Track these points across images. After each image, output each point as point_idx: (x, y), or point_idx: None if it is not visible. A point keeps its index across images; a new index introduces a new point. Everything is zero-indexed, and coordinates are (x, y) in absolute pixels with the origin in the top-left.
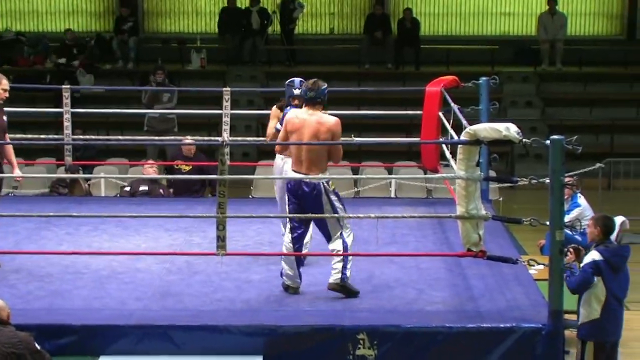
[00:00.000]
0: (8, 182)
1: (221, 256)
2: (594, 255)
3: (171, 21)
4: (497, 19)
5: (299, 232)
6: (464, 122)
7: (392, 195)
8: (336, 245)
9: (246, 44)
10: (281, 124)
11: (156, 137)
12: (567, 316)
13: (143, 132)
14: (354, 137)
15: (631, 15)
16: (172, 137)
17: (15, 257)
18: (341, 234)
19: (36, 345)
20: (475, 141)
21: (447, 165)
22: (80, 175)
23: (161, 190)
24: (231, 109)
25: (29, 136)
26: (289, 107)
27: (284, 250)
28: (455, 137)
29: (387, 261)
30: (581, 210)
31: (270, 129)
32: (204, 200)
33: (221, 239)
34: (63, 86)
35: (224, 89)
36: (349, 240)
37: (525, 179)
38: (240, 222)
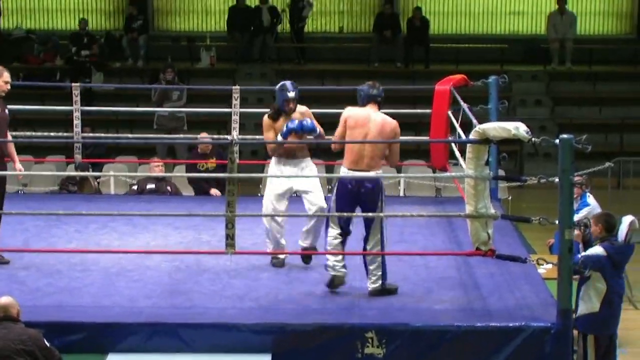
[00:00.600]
0: (18, 180)
1: (230, 254)
2: (597, 250)
3: (181, 19)
4: (507, 17)
5: (344, 228)
6: (474, 120)
7: (401, 193)
8: (374, 245)
9: (256, 42)
10: (286, 135)
11: (166, 135)
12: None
13: (152, 130)
14: None
15: None
16: (182, 135)
17: (24, 254)
18: (382, 235)
19: (45, 342)
20: (485, 140)
21: (456, 164)
22: (90, 173)
23: (169, 188)
24: (241, 107)
25: (39, 134)
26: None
27: (328, 249)
28: (464, 136)
29: (396, 259)
30: (590, 210)
31: (271, 144)
32: (212, 198)
33: (230, 237)
34: (73, 84)
35: (234, 87)
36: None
37: (534, 178)
38: (249, 221)
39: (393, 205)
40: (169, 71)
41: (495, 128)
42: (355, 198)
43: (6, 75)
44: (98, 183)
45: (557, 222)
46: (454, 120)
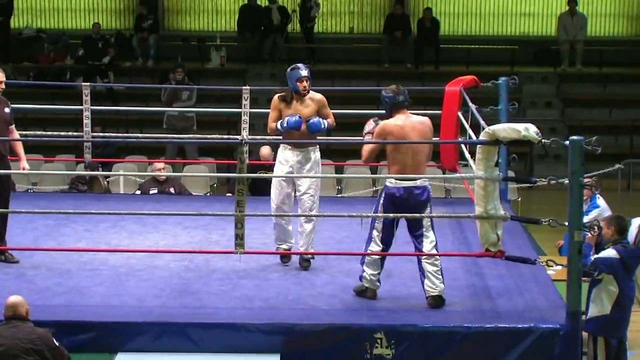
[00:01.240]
0: (27, 178)
1: (239, 254)
2: (610, 253)
3: (191, 19)
4: (517, 19)
5: (387, 243)
6: (482, 122)
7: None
8: (430, 249)
9: (266, 42)
10: (285, 128)
11: (175, 135)
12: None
13: (162, 130)
14: None
15: None
16: (191, 135)
17: (34, 253)
18: (435, 238)
19: (54, 341)
20: (495, 141)
21: (466, 165)
22: (100, 172)
23: (172, 189)
24: (250, 107)
25: (49, 133)
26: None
27: (368, 259)
28: (474, 137)
29: (405, 260)
30: (600, 211)
31: (271, 122)
32: (222, 198)
33: (240, 237)
34: (83, 83)
35: (244, 87)
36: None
37: (544, 180)
38: (259, 220)
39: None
40: (178, 71)
41: (505, 129)
42: (404, 209)
43: (0, 75)
44: (108, 182)
45: (566, 223)
46: (464, 122)
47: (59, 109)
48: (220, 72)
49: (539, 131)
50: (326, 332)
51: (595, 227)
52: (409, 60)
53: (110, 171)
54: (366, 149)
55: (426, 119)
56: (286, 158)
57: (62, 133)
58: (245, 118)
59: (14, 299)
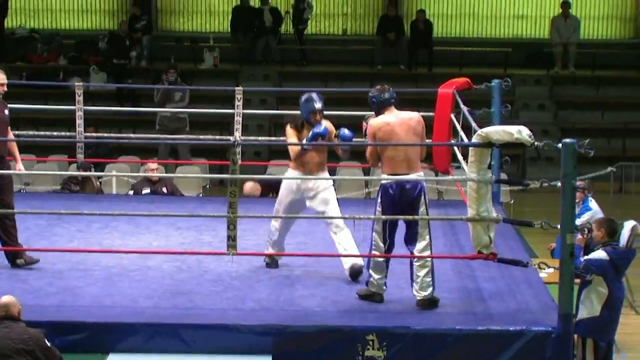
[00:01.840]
0: (20, 179)
1: (232, 255)
2: (600, 255)
3: (184, 20)
4: (511, 21)
5: (389, 243)
6: (474, 124)
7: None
8: (423, 249)
9: (259, 43)
10: (311, 139)
11: (168, 136)
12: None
13: (155, 131)
14: None
15: None
16: (184, 136)
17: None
18: (430, 238)
19: (47, 342)
20: (487, 144)
21: (459, 168)
22: (92, 173)
23: (164, 189)
24: (243, 108)
25: (41, 133)
26: (317, 124)
27: (372, 263)
28: (467, 140)
29: (398, 262)
30: (592, 214)
31: (295, 149)
32: (214, 199)
33: (232, 239)
34: (76, 83)
35: (237, 88)
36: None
37: (536, 182)
38: (251, 221)
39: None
40: (171, 72)
41: (498, 132)
42: (399, 205)
43: (2, 77)
44: (100, 183)
45: (559, 226)
46: (457, 124)
47: (52, 109)
48: (213, 73)
49: (531, 134)
50: (318, 334)
51: (587, 230)
52: (402, 61)
53: (103, 171)
54: (367, 153)
55: (415, 114)
56: (300, 186)
57: (54, 133)
58: (238, 119)
59: (6, 299)
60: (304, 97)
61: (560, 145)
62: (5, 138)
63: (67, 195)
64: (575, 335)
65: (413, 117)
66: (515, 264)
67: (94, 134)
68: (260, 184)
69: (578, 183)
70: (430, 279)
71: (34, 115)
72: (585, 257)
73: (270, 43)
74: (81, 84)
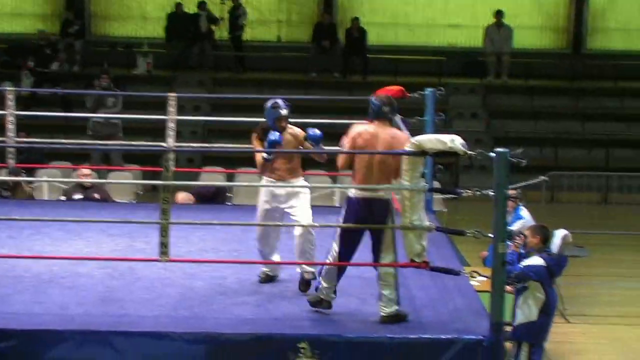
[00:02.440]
0: None
1: (164, 262)
2: (537, 261)
3: (118, 25)
4: (445, 30)
5: (346, 254)
6: (407, 133)
7: (336, 204)
8: (388, 268)
9: (193, 49)
10: (269, 147)
11: (100, 142)
12: (507, 328)
13: (87, 136)
14: None
15: (577, 29)
16: (117, 142)
17: None
18: (395, 255)
19: None
20: (421, 152)
21: None
22: (23, 178)
23: (96, 195)
24: (177, 114)
25: None
26: (275, 131)
27: (324, 271)
28: None
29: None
30: (524, 223)
31: (258, 158)
32: (147, 205)
33: (164, 246)
34: (7, 88)
35: (170, 94)
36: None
37: (469, 191)
38: (184, 228)
39: (327, 216)
40: (104, 77)
41: (432, 140)
42: (363, 220)
43: None
44: (31, 188)
45: (491, 235)
46: None
47: None
48: (147, 79)
49: (465, 143)
50: (250, 341)
51: (522, 237)
52: (336, 69)
53: (35, 177)
54: (339, 156)
55: (401, 135)
56: (272, 193)
57: None
58: (171, 125)
59: None
60: (269, 104)
61: (493, 154)
62: None
63: None
64: (509, 344)
65: (397, 136)
66: (447, 273)
67: (25, 139)
68: (193, 194)
69: (510, 192)
70: (395, 295)
71: None
72: (522, 263)
73: (205, 49)
74: (13, 88)
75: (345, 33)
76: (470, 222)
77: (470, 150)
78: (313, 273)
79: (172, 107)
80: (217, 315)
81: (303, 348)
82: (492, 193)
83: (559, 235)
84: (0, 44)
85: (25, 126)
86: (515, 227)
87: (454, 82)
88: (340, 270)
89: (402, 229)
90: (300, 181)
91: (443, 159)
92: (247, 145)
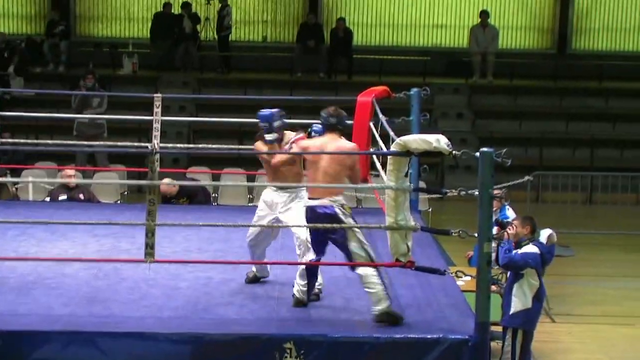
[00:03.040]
0: None
1: (149, 263)
2: (532, 249)
3: (103, 26)
4: (430, 30)
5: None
6: (391, 133)
7: None
8: (364, 270)
9: (178, 50)
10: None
11: (85, 143)
12: (492, 328)
13: (72, 137)
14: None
15: (562, 30)
16: (102, 143)
17: None
18: (369, 256)
19: None
20: (406, 152)
21: (377, 176)
22: (8, 179)
23: (81, 196)
24: (162, 115)
25: None
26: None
27: (297, 276)
28: (385, 148)
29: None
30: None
31: (268, 160)
32: (132, 206)
33: (150, 247)
34: None
35: (155, 94)
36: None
37: (454, 191)
38: (169, 229)
39: None
40: (89, 77)
41: (417, 140)
42: (315, 228)
43: None
44: (16, 189)
45: (476, 234)
46: (376, 132)
47: None
48: (132, 79)
49: (449, 142)
50: (236, 342)
51: (513, 227)
52: (321, 69)
53: (19, 177)
54: (280, 158)
55: (348, 145)
56: (272, 198)
57: None
58: (156, 126)
59: None
60: (278, 111)
61: (478, 154)
62: None
63: None
64: (494, 343)
65: (344, 146)
66: (432, 272)
67: (9, 140)
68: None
69: (495, 192)
70: (384, 292)
71: None
72: (519, 251)
73: (190, 49)
74: None
75: (331, 33)
76: (456, 221)
77: (455, 150)
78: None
79: (157, 108)
80: (203, 316)
81: (289, 349)
82: (477, 193)
83: (544, 234)
84: None
85: (9, 127)
86: None
87: (438, 82)
88: (316, 269)
89: (388, 229)
90: (302, 191)
91: (428, 158)
92: (232, 146)
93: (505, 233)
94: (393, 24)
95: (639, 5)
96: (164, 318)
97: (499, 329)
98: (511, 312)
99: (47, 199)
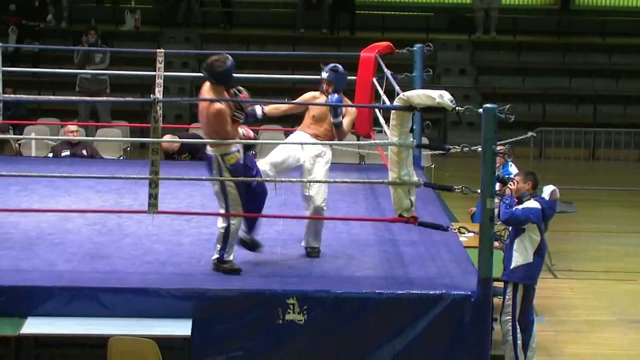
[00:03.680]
0: None
1: (152, 214)
2: (534, 204)
3: None
4: None
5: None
6: (397, 88)
7: None
8: (221, 223)
9: (181, 6)
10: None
11: (88, 98)
12: (494, 284)
13: (75, 93)
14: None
15: None
16: (105, 98)
17: None
18: (227, 206)
19: None
20: (409, 107)
21: (381, 132)
22: (11, 135)
23: (84, 152)
24: (165, 70)
25: None
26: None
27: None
28: (389, 104)
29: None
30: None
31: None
32: (135, 161)
33: (153, 197)
34: None
35: (158, 50)
36: (233, 225)
37: (457, 147)
38: (171, 185)
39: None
40: (91, 33)
41: (420, 95)
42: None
43: None
44: (19, 145)
45: (479, 191)
46: (379, 88)
47: None
48: (135, 35)
49: (453, 98)
50: (238, 298)
51: (514, 182)
52: (324, 25)
53: (22, 133)
54: None
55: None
56: (302, 146)
57: None
58: (159, 81)
59: None
60: (340, 67)
61: (481, 110)
62: None
63: None
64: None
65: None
66: (435, 228)
67: (11, 95)
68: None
69: (498, 148)
70: (220, 247)
71: None
72: (520, 206)
73: (192, 5)
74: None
75: None
76: (458, 178)
77: (458, 106)
78: (318, 251)
79: (159, 64)
80: (205, 272)
81: (292, 304)
82: (480, 149)
83: (547, 190)
84: None
85: (12, 82)
86: None
87: (441, 38)
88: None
89: (391, 184)
90: (331, 148)
91: (431, 114)
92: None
93: (507, 189)
94: None
95: None
96: (166, 274)
97: (501, 285)
98: (511, 267)
99: (50, 155)
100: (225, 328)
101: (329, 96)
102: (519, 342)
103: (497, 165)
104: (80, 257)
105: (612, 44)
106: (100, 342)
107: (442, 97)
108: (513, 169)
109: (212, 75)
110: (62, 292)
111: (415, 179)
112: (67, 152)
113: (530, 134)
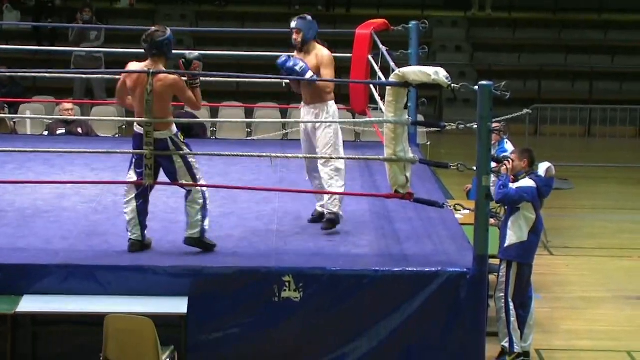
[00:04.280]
0: None
1: (148, 185)
2: (528, 183)
3: None
4: None
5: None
6: (392, 64)
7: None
8: (195, 196)
9: None
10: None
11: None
12: (490, 261)
13: (70, 71)
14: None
15: None
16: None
17: None
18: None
19: None
20: (404, 83)
21: (376, 109)
22: (6, 114)
23: (79, 130)
24: None
25: None
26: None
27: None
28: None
29: (314, 203)
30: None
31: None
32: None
33: (149, 168)
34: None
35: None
36: (207, 191)
37: (453, 124)
38: None
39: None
40: (86, 10)
41: (415, 72)
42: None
43: None
44: (14, 123)
45: (474, 168)
46: (375, 65)
47: None
48: (130, 12)
49: (448, 75)
50: (234, 275)
51: (509, 161)
52: (320, 2)
53: (17, 111)
54: None
55: (167, 77)
56: (302, 115)
57: None
58: None
59: None
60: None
61: (476, 87)
62: None
63: None
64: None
65: (163, 78)
66: (431, 205)
67: (7, 71)
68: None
69: (494, 125)
70: (200, 219)
71: None
72: (515, 185)
73: None
74: None
75: None
76: (454, 155)
77: (453, 83)
78: (336, 214)
79: None
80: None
81: (288, 282)
82: (476, 126)
83: (542, 167)
84: None
85: (6, 60)
86: None
87: (437, 15)
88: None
89: (386, 160)
90: (328, 106)
91: (427, 91)
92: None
93: (503, 167)
94: None
95: None
96: (162, 251)
97: (497, 262)
98: (506, 245)
99: (45, 132)
100: (222, 305)
101: (277, 60)
102: (513, 319)
103: (493, 142)
104: (76, 234)
105: (608, 20)
106: (96, 320)
107: (438, 73)
108: (509, 146)
109: (153, 45)
110: (58, 269)
111: (411, 155)
112: (63, 130)
113: (525, 111)
